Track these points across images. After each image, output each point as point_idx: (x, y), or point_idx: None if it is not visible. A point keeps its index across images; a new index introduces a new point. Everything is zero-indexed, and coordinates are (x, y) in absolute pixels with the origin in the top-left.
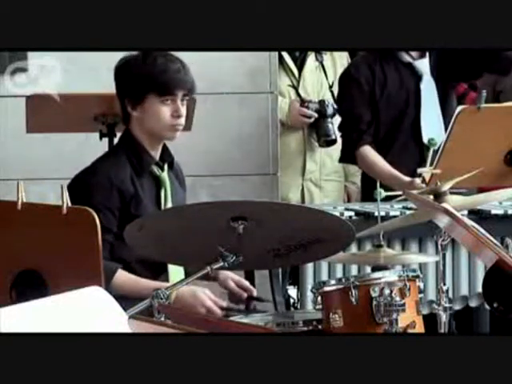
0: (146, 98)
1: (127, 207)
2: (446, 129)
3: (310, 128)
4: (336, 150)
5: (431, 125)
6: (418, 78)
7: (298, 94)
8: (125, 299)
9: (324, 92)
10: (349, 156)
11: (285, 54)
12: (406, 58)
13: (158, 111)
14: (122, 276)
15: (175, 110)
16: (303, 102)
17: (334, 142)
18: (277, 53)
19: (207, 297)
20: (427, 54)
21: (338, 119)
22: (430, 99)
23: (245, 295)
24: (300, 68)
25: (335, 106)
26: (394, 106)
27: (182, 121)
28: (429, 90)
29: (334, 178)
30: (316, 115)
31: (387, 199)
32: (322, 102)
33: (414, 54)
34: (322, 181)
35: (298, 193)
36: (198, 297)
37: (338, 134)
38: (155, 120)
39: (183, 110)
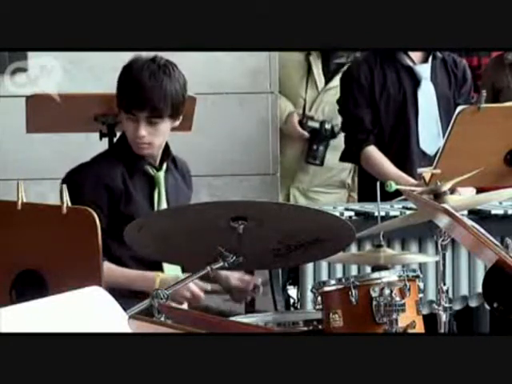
0: (120, 109)
1: (116, 205)
2: (444, 134)
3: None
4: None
5: (428, 130)
6: (416, 82)
7: (304, 111)
8: (125, 299)
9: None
10: (351, 156)
11: (315, 65)
12: (407, 61)
13: (124, 125)
14: (108, 268)
15: (135, 129)
16: (302, 118)
17: (319, 165)
18: (277, 53)
19: None
20: (430, 59)
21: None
22: (428, 104)
23: (251, 287)
24: (326, 82)
25: (336, 129)
26: (393, 108)
27: (145, 140)
28: (427, 96)
29: (325, 190)
30: (307, 135)
31: (397, 194)
32: (322, 123)
33: (415, 58)
34: (309, 192)
35: (283, 197)
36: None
37: (327, 158)
38: (126, 132)
39: (144, 131)
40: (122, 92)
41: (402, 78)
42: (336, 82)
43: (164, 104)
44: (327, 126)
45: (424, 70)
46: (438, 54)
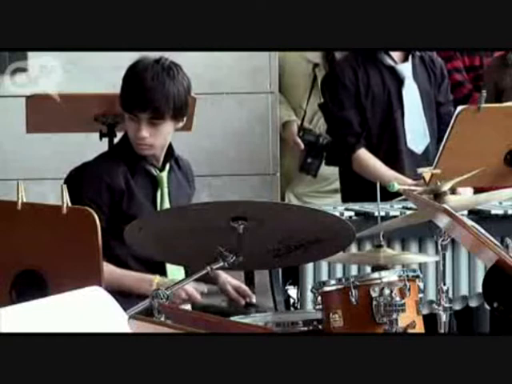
0: (123, 109)
1: (118, 204)
2: (429, 132)
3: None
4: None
5: (415, 128)
6: (399, 81)
7: (302, 122)
8: (125, 299)
9: None
10: (341, 159)
11: (320, 77)
12: (389, 61)
13: (127, 125)
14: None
15: (136, 129)
16: (299, 131)
17: (313, 177)
18: (277, 53)
19: None
20: (410, 58)
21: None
22: (413, 103)
23: (242, 302)
24: None
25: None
26: (379, 108)
27: (146, 141)
28: (411, 94)
29: (320, 195)
30: (302, 147)
31: (397, 194)
32: (318, 137)
33: (396, 57)
34: (304, 196)
35: (279, 197)
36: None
37: (324, 168)
38: (128, 132)
39: (145, 133)
40: (124, 92)
41: (385, 78)
42: None
43: (166, 106)
44: (322, 141)
45: (406, 69)
46: (417, 53)
